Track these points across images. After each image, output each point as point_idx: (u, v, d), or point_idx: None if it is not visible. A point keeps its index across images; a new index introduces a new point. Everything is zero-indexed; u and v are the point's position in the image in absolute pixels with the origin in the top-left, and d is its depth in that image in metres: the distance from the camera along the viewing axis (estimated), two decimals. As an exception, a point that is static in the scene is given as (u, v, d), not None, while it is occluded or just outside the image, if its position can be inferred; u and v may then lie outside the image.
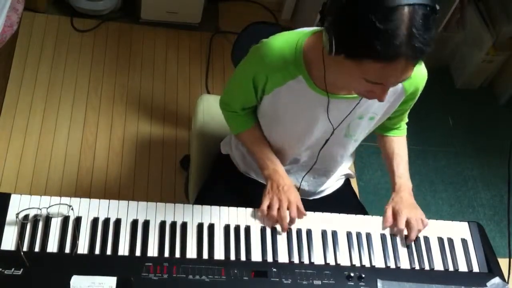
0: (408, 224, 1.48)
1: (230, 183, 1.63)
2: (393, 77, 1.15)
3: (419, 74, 1.43)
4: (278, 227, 1.45)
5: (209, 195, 1.68)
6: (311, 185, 1.68)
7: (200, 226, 1.41)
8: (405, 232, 1.49)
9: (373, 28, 1.06)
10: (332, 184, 1.72)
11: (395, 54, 1.08)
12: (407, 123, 1.66)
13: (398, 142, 1.63)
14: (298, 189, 1.67)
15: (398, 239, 1.49)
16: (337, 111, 1.41)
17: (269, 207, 1.45)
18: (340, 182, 1.76)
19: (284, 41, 1.35)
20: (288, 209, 1.44)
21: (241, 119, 1.57)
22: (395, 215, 1.50)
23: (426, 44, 1.09)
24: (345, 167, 1.73)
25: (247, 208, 1.47)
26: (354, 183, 2.54)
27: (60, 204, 1.35)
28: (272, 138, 1.56)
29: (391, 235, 1.49)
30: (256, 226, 1.44)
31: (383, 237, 1.48)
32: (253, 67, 1.40)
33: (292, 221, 1.44)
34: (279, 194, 1.46)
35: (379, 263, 1.44)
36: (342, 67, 1.18)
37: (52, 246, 1.30)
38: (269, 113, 1.50)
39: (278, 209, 1.44)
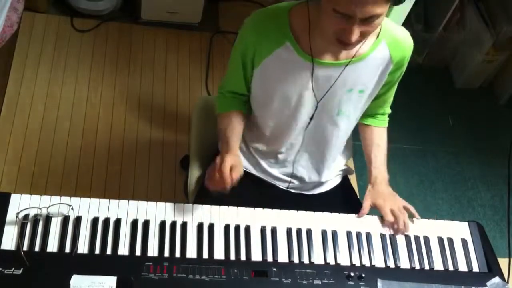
0: (393, 215, 1.50)
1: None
2: (358, 6, 1.16)
3: (405, 43, 1.46)
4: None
5: (208, 195, 1.68)
6: (308, 170, 1.67)
7: (200, 226, 1.41)
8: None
9: None
10: (331, 177, 1.71)
11: None
12: (402, 123, 1.67)
13: (379, 133, 1.65)
14: (292, 174, 1.67)
15: (398, 238, 1.49)
16: (324, 81, 1.43)
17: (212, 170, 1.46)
18: (339, 178, 1.76)
19: (270, 10, 1.42)
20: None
21: (227, 101, 1.60)
22: (378, 210, 1.52)
23: None
24: (343, 159, 1.72)
25: (247, 208, 1.47)
26: (353, 182, 2.54)
27: (60, 203, 1.35)
28: (266, 123, 1.57)
29: (381, 234, 1.49)
30: (256, 226, 1.44)
31: (383, 237, 1.48)
32: (242, 38, 1.44)
33: (225, 177, 1.41)
34: (221, 160, 1.45)
35: (379, 262, 1.44)
36: (321, 11, 1.25)
37: (52, 246, 1.30)
38: (261, 92, 1.51)
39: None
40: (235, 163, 1.46)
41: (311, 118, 1.51)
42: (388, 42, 1.41)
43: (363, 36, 1.25)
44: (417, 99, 3.03)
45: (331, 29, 1.26)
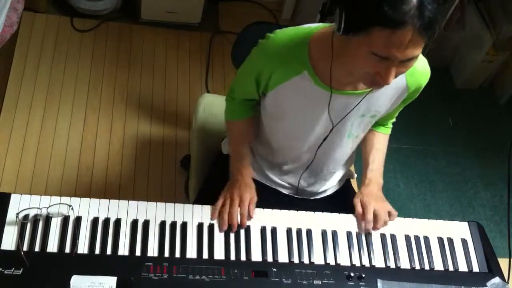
0: (375, 215, 1.48)
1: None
2: (399, 50, 1.13)
3: (423, 72, 1.44)
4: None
5: (209, 195, 1.68)
6: (312, 185, 1.68)
7: (200, 226, 1.41)
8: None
9: None
10: (333, 185, 1.72)
11: (403, 20, 1.09)
12: (402, 123, 1.66)
13: (380, 138, 1.63)
14: (297, 188, 1.67)
15: (398, 238, 1.49)
16: (339, 109, 1.41)
17: (222, 205, 1.45)
18: (341, 183, 1.76)
19: (289, 35, 1.36)
20: (240, 207, 1.44)
21: (237, 107, 1.59)
22: (363, 208, 1.50)
23: (435, 16, 1.11)
24: (346, 166, 1.72)
25: (247, 208, 1.47)
26: (354, 183, 2.54)
27: (60, 204, 1.35)
28: (275, 137, 1.56)
29: (381, 234, 1.49)
30: (256, 226, 1.44)
31: (383, 237, 1.48)
32: (258, 62, 1.40)
33: (242, 217, 1.43)
34: (232, 191, 1.47)
35: (379, 263, 1.44)
36: (351, 47, 1.19)
37: (52, 246, 1.30)
38: (272, 109, 1.50)
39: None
40: (249, 195, 1.47)
41: (325, 139, 1.51)
42: (407, 72, 1.34)
43: (397, 75, 1.21)
44: (417, 99, 3.01)
45: (365, 70, 1.21)
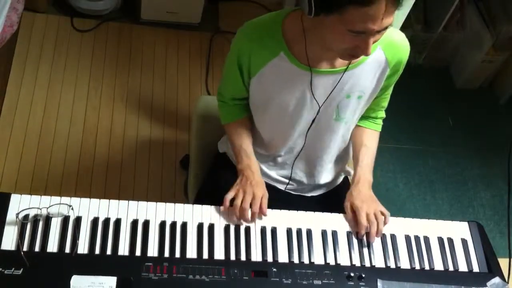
0: (367, 219, 1.47)
1: (229, 182, 1.63)
2: (376, 22, 1.17)
3: (402, 45, 1.45)
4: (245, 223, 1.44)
5: (209, 195, 1.68)
6: (307, 174, 1.67)
7: (200, 226, 1.41)
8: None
9: None
10: (328, 179, 1.71)
11: None
12: (402, 123, 1.66)
13: (370, 135, 1.63)
14: (290, 177, 1.67)
15: (398, 238, 1.49)
16: (322, 88, 1.43)
17: (234, 199, 1.45)
18: (339, 180, 1.76)
19: (263, 19, 1.41)
20: (251, 204, 1.44)
21: (230, 109, 1.60)
22: (354, 212, 1.49)
23: None
24: (342, 162, 1.72)
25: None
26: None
27: (60, 204, 1.35)
28: (264, 129, 1.57)
29: (354, 232, 1.49)
30: (256, 226, 1.44)
31: (383, 237, 1.48)
32: (237, 47, 1.44)
33: (253, 215, 1.44)
34: (245, 187, 1.47)
35: (379, 263, 1.44)
36: (325, 27, 1.22)
37: (52, 246, 1.30)
38: (258, 99, 1.51)
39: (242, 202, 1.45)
40: (262, 191, 1.48)
41: (313, 122, 1.51)
42: (384, 46, 1.41)
43: (374, 43, 1.24)
44: (417, 99, 3.02)
45: (344, 46, 1.25)
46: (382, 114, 1.65)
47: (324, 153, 1.62)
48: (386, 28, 1.21)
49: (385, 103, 1.62)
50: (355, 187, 1.54)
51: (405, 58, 1.47)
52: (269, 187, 1.67)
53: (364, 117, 1.63)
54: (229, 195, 1.46)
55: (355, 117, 1.55)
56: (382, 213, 1.49)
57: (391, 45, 1.41)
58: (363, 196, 1.51)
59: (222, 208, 1.44)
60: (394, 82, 1.55)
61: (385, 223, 1.49)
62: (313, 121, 1.51)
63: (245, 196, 1.45)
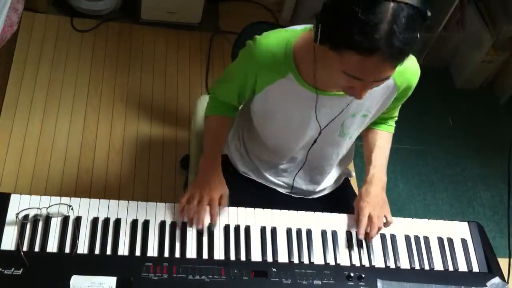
0: (369, 221, 1.46)
1: (229, 183, 1.63)
2: (371, 74, 1.14)
3: (412, 71, 1.42)
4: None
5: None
6: (308, 184, 1.68)
7: (200, 226, 1.41)
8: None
9: (355, 18, 1.07)
10: (329, 183, 1.71)
11: (373, 48, 1.08)
12: (402, 123, 1.66)
13: (383, 136, 1.61)
14: (292, 187, 1.66)
15: (398, 238, 1.49)
16: (327, 109, 1.41)
17: (189, 200, 1.43)
18: (340, 181, 1.76)
19: (274, 39, 1.36)
20: (210, 206, 1.42)
21: (219, 105, 1.58)
22: (358, 212, 1.48)
23: (406, 44, 1.09)
24: (343, 166, 1.72)
25: (247, 208, 1.47)
26: (353, 183, 2.54)
27: (60, 204, 1.35)
28: (266, 137, 1.56)
29: (381, 234, 1.49)
30: (256, 226, 1.44)
31: (383, 237, 1.48)
32: (245, 64, 1.41)
33: (213, 219, 1.41)
34: (202, 189, 1.44)
35: (379, 263, 1.44)
36: (326, 59, 1.19)
37: (52, 246, 1.30)
38: (261, 112, 1.50)
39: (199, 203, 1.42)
40: (219, 192, 1.45)
41: (315, 141, 1.51)
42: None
43: (372, 89, 1.22)
44: (417, 99, 3.01)
45: (339, 84, 1.22)
46: (394, 118, 1.64)
47: (326, 164, 1.62)
48: (384, 79, 1.17)
49: (396, 114, 1.62)
50: (365, 188, 1.51)
51: (415, 83, 1.45)
52: (269, 190, 1.68)
53: (376, 122, 1.61)
54: (185, 198, 1.43)
55: (359, 132, 1.54)
56: (386, 218, 1.48)
57: (401, 71, 1.35)
58: (372, 197, 1.49)
59: (180, 214, 1.41)
60: (403, 102, 1.53)
61: (385, 224, 1.48)
62: (315, 141, 1.50)
63: (202, 199, 1.42)
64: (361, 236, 1.45)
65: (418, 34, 1.11)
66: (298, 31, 1.36)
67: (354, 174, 1.81)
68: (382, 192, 1.52)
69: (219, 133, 1.58)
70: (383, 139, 1.60)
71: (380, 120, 1.61)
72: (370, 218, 1.46)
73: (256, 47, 1.36)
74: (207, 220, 1.41)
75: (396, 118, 1.65)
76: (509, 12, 2.92)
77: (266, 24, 2.04)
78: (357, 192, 1.58)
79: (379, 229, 1.47)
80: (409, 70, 1.41)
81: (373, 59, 1.09)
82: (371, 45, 1.07)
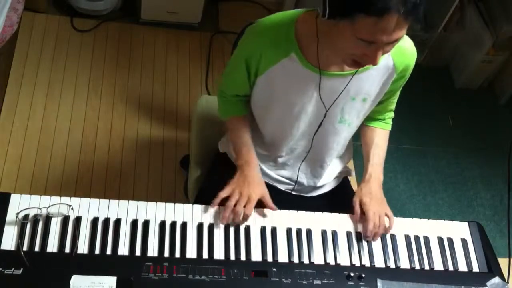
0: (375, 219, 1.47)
1: (228, 181, 1.63)
2: (385, 34, 1.16)
3: (409, 51, 1.45)
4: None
5: (209, 195, 1.67)
6: (308, 176, 1.68)
7: (200, 226, 1.41)
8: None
9: None
10: (329, 180, 1.71)
11: (387, 7, 1.10)
12: (402, 123, 1.66)
13: (380, 134, 1.63)
14: (296, 181, 1.66)
15: (398, 238, 1.49)
16: (329, 91, 1.42)
17: (228, 198, 1.44)
18: (339, 180, 1.76)
19: (277, 18, 1.40)
20: (245, 205, 1.43)
21: (232, 105, 1.60)
22: (363, 209, 1.49)
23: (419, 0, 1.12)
24: (343, 162, 1.72)
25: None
26: (353, 183, 2.54)
27: (60, 203, 1.35)
28: (266, 128, 1.57)
29: (360, 232, 1.49)
30: (256, 226, 1.44)
31: (382, 236, 1.48)
32: (248, 45, 1.43)
33: (245, 218, 1.43)
34: (241, 188, 1.46)
35: (379, 263, 1.44)
36: (336, 31, 1.21)
37: (52, 246, 1.30)
38: (263, 97, 1.51)
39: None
40: (259, 192, 1.47)
41: (320, 125, 1.51)
42: (392, 51, 1.38)
43: (383, 54, 1.23)
44: (417, 99, 3.02)
45: (350, 52, 1.23)
46: (390, 114, 1.66)
47: (326, 156, 1.62)
48: (396, 40, 1.19)
49: (393, 106, 1.63)
50: (365, 184, 1.54)
51: (412, 64, 1.47)
52: (269, 187, 1.67)
53: (373, 119, 1.63)
54: (224, 194, 1.45)
55: (358, 120, 1.55)
56: (387, 215, 1.50)
57: (399, 51, 1.40)
58: (373, 194, 1.52)
59: (211, 204, 1.43)
60: (401, 87, 1.54)
61: (389, 227, 1.49)
62: (321, 124, 1.51)
63: (241, 198, 1.44)
64: (370, 233, 1.46)
65: None
66: (300, 11, 1.38)
67: (354, 173, 1.81)
68: (380, 189, 1.55)
69: (242, 132, 1.58)
70: (380, 137, 1.63)
71: (377, 116, 1.62)
72: (374, 215, 1.47)
73: (256, 26, 1.40)
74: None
75: (393, 115, 1.66)
76: (509, 12, 2.92)
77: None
78: (355, 190, 1.59)
79: (385, 228, 1.48)
80: (407, 50, 1.44)
81: (387, 18, 1.12)
82: (385, 4, 1.10)
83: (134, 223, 1.37)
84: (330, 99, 1.44)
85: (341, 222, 1.49)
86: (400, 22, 1.14)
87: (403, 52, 1.42)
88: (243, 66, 1.45)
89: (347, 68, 1.39)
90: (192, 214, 1.43)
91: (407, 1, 1.11)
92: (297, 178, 1.66)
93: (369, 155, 1.59)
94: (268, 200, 1.48)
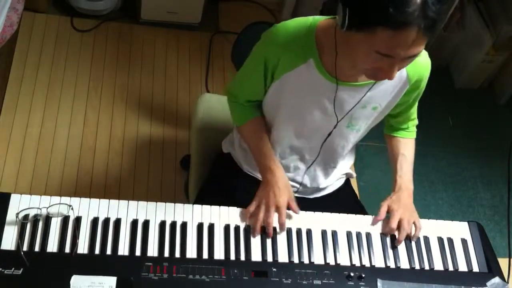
0: (399, 225, 1.48)
1: (231, 182, 1.63)
2: (403, 48, 1.14)
3: (423, 63, 1.44)
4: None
5: (209, 195, 1.68)
6: (312, 179, 1.68)
7: (200, 226, 1.41)
8: (396, 233, 1.50)
9: None
10: (332, 182, 1.72)
11: (407, 22, 1.09)
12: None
13: (405, 144, 1.64)
14: (300, 184, 1.66)
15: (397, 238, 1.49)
16: (341, 101, 1.41)
17: (255, 211, 1.45)
18: (341, 182, 1.76)
19: (297, 23, 1.38)
20: (278, 213, 1.44)
21: (244, 110, 1.58)
22: (390, 213, 1.50)
23: (439, 15, 1.10)
24: (346, 165, 1.72)
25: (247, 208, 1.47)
26: (354, 183, 2.54)
27: (60, 204, 1.35)
28: (273, 134, 1.56)
29: (381, 234, 1.49)
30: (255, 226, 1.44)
31: (383, 237, 1.48)
32: (266, 48, 1.41)
33: (281, 227, 1.43)
34: (268, 198, 1.45)
35: (379, 263, 1.44)
36: (354, 43, 1.19)
37: (52, 246, 1.30)
38: (273, 103, 1.50)
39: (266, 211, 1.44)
40: (286, 197, 1.46)
41: (329, 134, 1.51)
42: None
43: (399, 70, 1.22)
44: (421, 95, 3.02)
45: (367, 66, 1.23)
46: (414, 122, 1.66)
47: (332, 159, 1.63)
48: (414, 56, 1.18)
49: (414, 115, 1.63)
50: (395, 194, 1.54)
51: (427, 75, 1.46)
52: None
53: (397, 128, 1.64)
54: (252, 208, 1.45)
55: (367, 126, 1.55)
56: (415, 224, 1.50)
57: (414, 63, 1.34)
58: (403, 202, 1.52)
59: (253, 233, 1.42)
60: (418, 98, 1.54)
61: (414, 235, 1.49)
62: (330, 134, 1.50)
63: (269, 210, 1.43)
64: (389, 230, 1.47)
65: (447, 6, 1.14)
66: (321, 18, 1.37)
67: (355, 174, 1.81)
68: (410, 200, 1.55)
69: (258, 137, 1.56)
70: (406, 147, 1.63)
71: (401, 126, 1.63)
72: (400, 221, 1.48)
73: (277, 30, 1.38)
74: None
75: (417, 122, 1.66)
76: (509, 12, 2.92)
77: (266, 24, 2.04)
78: (357, 192, 1.59)
79: (408, 235, 1.48)
80: (421, 61, 1.43)
81: (407, 33, 1.11)
82: (406, 18, 1.09)
83: (134, 223, 1.37)
84: (341, 109, 1.43)
85: (341, 222, 1.49)
86: (419, 37, 1.12)
87: (417, 63, 1.39)
88: (260, 71, 1.44)
89: (361, 78, 1.38)
90: (192, 214, 1.43)
91: (428, 17, 1.09)
92: (302, 181, 1.66)
93: (396, 167, 1.60)
94: (293, 203, 1.48)
